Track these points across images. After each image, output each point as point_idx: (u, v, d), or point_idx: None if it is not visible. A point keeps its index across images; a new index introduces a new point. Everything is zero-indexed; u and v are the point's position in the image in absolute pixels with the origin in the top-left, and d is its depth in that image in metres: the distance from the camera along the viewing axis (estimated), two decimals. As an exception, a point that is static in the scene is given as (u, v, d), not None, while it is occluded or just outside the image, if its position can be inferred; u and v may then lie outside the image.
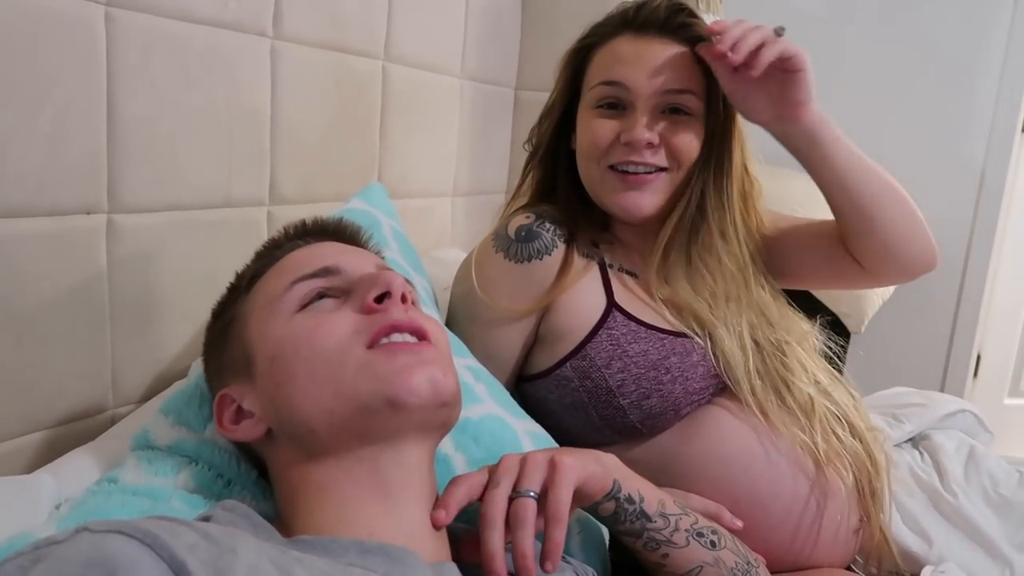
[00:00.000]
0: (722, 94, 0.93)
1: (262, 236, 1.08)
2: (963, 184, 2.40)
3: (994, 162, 2.39)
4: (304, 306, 0.63)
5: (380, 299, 0.62)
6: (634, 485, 0.70)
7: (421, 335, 0.62)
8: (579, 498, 0.66)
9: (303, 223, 0.74)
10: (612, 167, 0.93)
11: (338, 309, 0.63)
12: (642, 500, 0.70)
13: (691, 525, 0.73)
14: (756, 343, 0.96)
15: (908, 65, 2.36)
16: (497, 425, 0.84)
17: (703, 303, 0.95)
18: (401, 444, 0.60)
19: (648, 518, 0.70)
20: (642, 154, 0.91)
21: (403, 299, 0.63)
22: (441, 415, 0.61)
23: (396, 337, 0.61)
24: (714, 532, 0.74)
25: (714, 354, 0.95)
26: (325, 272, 0.65)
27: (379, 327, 0.60)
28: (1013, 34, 2.33)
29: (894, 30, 2.35)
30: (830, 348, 1.03)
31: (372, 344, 0.60)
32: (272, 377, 0.61)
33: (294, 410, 0.59)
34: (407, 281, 0.65)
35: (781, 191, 1.92)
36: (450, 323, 0.99)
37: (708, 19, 1.63)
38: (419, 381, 0.58)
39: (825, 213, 1.03)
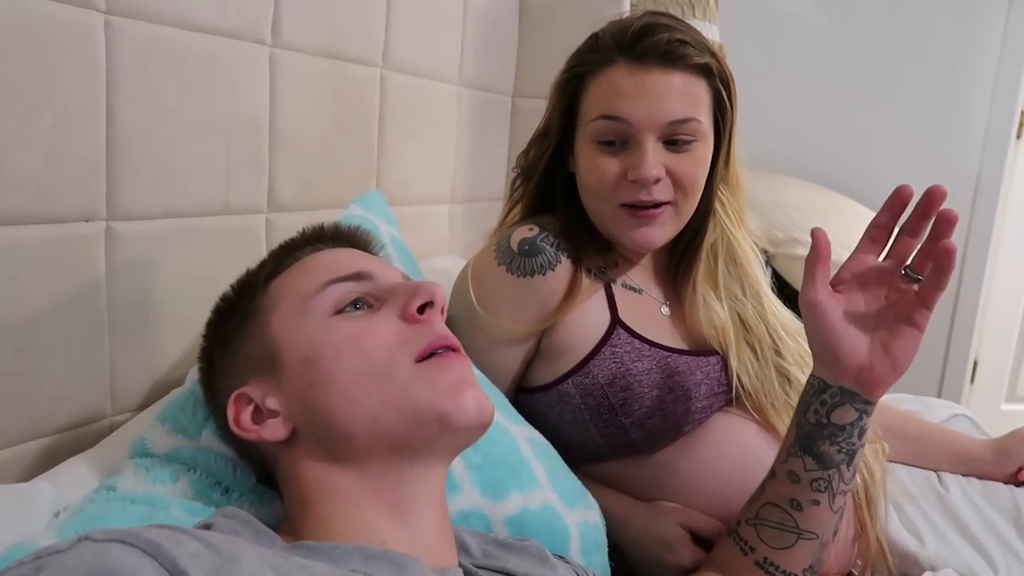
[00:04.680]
0: (726, 108, 0.93)
1: (260, 243, 1.08)
2: (959, 190, 2.41)
3: (989, 167, 2.41)
4: (340, 311, 0.63)
5: (421, 309, 0.62)
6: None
7: (456, 351, 0.63)
8: None
9: (321, 227, 0.73)
10: (621, 204, 0.91)
11: (375, 315, 0.63)
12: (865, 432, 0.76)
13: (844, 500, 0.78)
14: (763, 353, 0.97)
15: (903, 71, 2.37)
16: (496, 431, 0.85)
17: (732, 323, 0.97)
18: (431, 462, 0.61)
19: (854, 455, 0.76)
20: (650, 191, 0.89)
21: (441, 310, 0.65)
22: (477, 436, 0.63)
23: (440, 351, 0.62)
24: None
25: (729, 369, 0.96)
26: (359, 277, 0.65)
27: (428, 342, 0.61)
28: (1007, 41, 2.35)
29: (889, 36, 2.37)
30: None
31: (420, 359, 0.60)
32: (305, 378, 0.60)
33: (333, 414, 0.59)
34: None
35: (777, 197, 1.94)
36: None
37: (703, 27, 1.64)
38: (468, 401, 0.59)
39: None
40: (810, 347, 0.77)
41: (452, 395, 0.59)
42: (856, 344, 0.73)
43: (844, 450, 0.75)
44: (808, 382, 0.78)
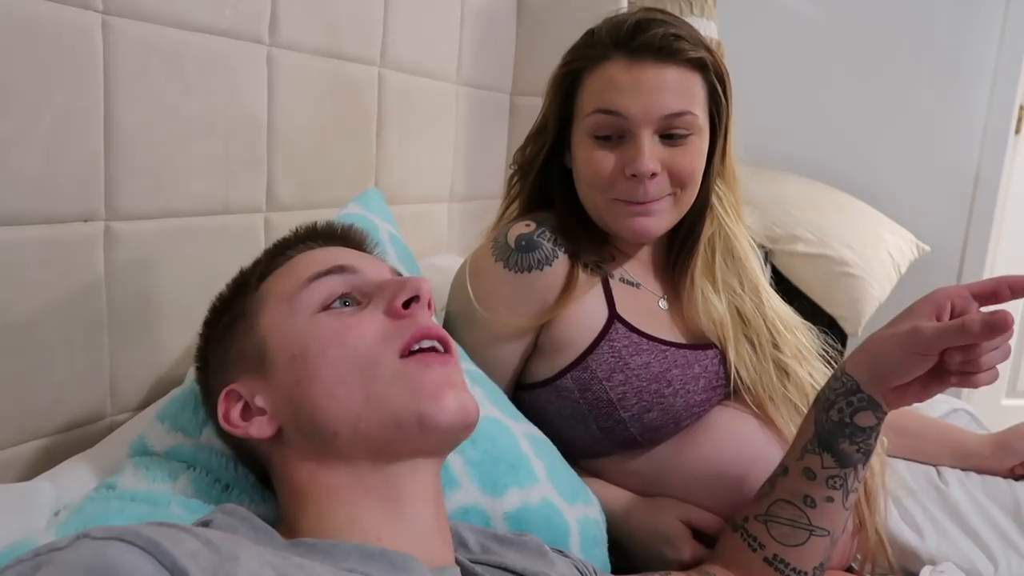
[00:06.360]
0: (721, 103, 0.93)
1: (259, 242, 1.08)
2: (958, 185, 2.42)
3: (988, 163, 2.40)
4: (326, 307, 0.63)
5: (407, 304, 0.62)
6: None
7: (445, 343, 0.63)
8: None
9: (314, 225, 0.74)
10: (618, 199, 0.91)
11: (361, 311, 0.63)
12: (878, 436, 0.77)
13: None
14: (761, 346, 0.97)
15: (902, 67, 2.37)
16: (495, 428, 0.85)
17: (731, 317, 0.97)
18: (420, 460, 0.61)
19: (870, 455, 0.76)
20: (647, 189, 0.89)
21: (428, 305, 0.64)
22: (463, 436, 0.62)
23: (425, 343, 0.62)
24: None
25: (728, 362, 0.96)
26: (341, 270, 0.65)
27: (411, 334, 0.61)
28: (1005, 36, 2.34)
29: (888, 32, 2.36)
30: (827, 352, 1.03)
31: (404, 352, 0.60)
32: (292, 375, 0.60)
33: (317, 410, 0.59)
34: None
35: (777, 194, 1.93)
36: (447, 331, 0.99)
37: (701, 24, 1.63)
38: (450, 402, 0.59)
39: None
40: (874, 351, 0.75)
41: (432, 396, 0.59)
42: (912, 372, 0.72)
43: (862, 450, 0.76)
44: (836, 379, 0.77)
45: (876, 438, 0.76)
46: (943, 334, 0.69)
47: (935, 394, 0.75)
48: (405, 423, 0.58)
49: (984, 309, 0.70)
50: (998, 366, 0.72)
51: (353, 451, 0.59)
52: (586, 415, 0.93)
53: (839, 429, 0.76)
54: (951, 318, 0.71)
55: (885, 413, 0.75)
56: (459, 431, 0.61)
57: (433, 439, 0.60)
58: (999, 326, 0.65)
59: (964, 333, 0.67)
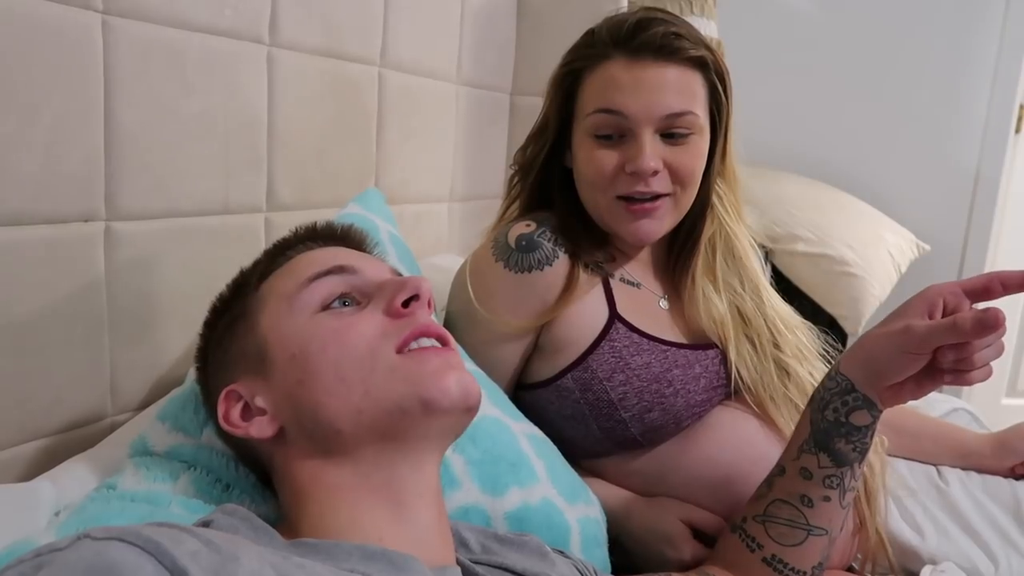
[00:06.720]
0: (721, 102, 0.93)
1: (260, 242, 1.08)
2: (958, 185, 2.42)
3: (988, 162, 2.40)
4: (326, 307, 0.63)
5: (406, 303, 0.62)
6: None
7: (444, 342, 0.63)
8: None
9: (314, 225, 0.74)
10: (619, 196, 0.92)
11: (361, 311, 0.63)
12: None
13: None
14: (762, 346, 0.97)
15: (903, 66, 2.37)
16: (495, 427, 0.85)
17: (731, 316, 0.97)
18: (422, 450, 0.61)
19: (866, 453, 0.76)
20: (648, 183, 0.89)
21: (428, 304, 0.64)
22: (465, 420, 0.62)
23: (424, 342, 0.62)
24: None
25: (728, 362, 0.96)
26: (340, 270, 0.65)
27: (409, 331, 0.61)
28: (1005, 36, 2.34)
29: (888, 31, 2.36)
30: (827, 351, 1.03)
31: (402, 348, 0.60)
32: (292, 375, 0.60)
33: (319, 409, 0.59)
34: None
35: (777, 193, 1.94)
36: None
37: (701, 23, 1.64)
38: (451, 383, 0.59)
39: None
40: (867, 349, 0.75)
41: (433, 380, 0.59)
42: (906, 371, 0.72)
43: (858, 448, 0.76)
44: (831, 379, 0.77)
45: (872, 436, 0.76)
46: (934, 333, 0.68)
47: (929, 391, 0.74)
48: (409, 408, 0.58)
49: (978, 305, 0.70)
50: (997, 365, 0.71)
51: (356, 446, 0.59)
52: (587, 415, 0.93)
53: (835, 428, 0.76)
54: (944, 315, 0.71)
55: (880, 411, 0.75)
56: (462, 413, 0.61)
57: (439, 423, 0.60)
58: (990, 324, 0.65)
59: (955, 331, 0.67)
